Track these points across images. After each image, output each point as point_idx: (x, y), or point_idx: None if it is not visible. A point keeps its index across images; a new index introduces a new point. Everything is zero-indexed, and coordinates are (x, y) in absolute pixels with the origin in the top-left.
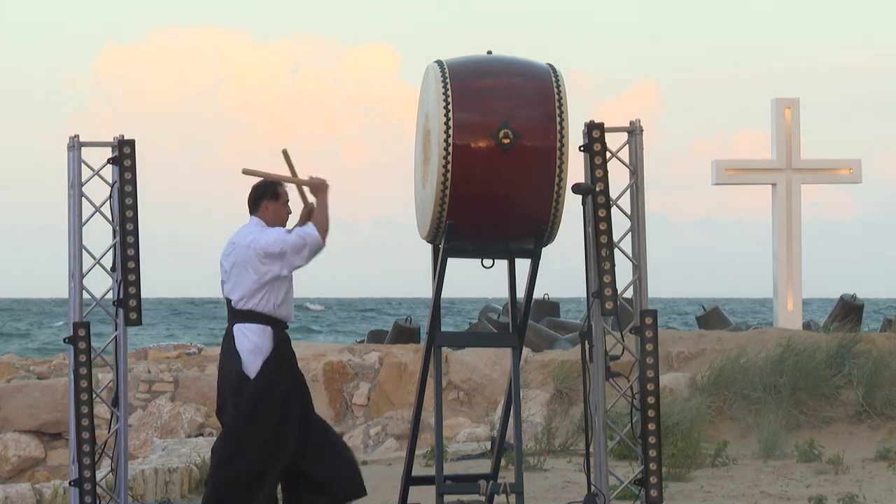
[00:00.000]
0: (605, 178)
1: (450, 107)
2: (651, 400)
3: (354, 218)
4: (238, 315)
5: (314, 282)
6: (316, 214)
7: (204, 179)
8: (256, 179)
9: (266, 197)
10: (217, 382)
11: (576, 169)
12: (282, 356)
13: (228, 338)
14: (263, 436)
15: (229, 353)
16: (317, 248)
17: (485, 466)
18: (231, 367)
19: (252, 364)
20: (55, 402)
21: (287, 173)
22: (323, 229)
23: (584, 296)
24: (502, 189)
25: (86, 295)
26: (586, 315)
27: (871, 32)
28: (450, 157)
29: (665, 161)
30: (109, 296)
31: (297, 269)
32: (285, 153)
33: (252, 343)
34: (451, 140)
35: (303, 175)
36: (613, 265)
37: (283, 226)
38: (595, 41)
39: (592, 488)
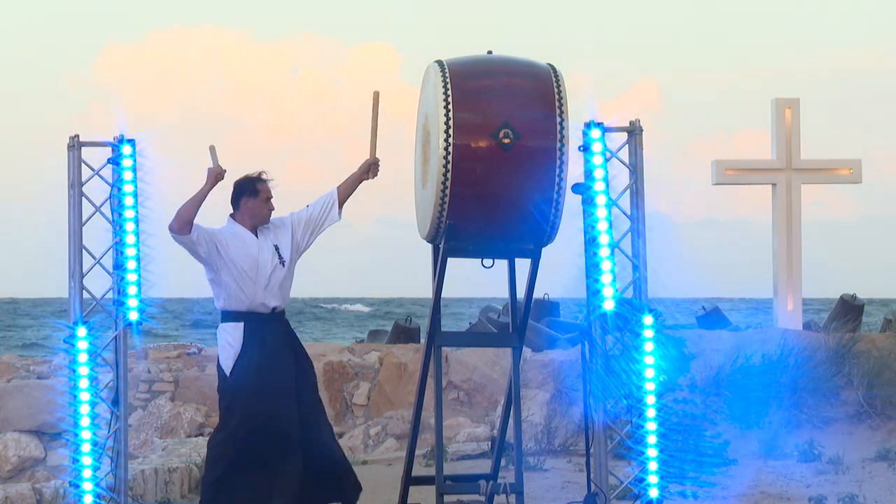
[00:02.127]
0: (605, 178)
1: (450, 107)
2: (651, 400)
3: (356, 217)
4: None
5: (312, 280)
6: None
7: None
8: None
9: (245, 194)
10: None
11: (576, 169)
12: (257, 351)
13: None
14: (238, 434)
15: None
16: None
17: (485, 466)
18: (217, 367)
19: (226, 361)
20: (55, 402)
21: (372, 118)
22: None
23: (584, 296)
24: (502, 189)
25: (86, 295)
26: (586, 315)
27: (871, 33)
28: (450, 157)
29: (665, 161)
30: (109, 296)
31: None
32: (376, 96)
33: (224, 340)
34: (451, 140)
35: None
36: (613, 265)
37: (264, 223)
38: (595, 41)
39: (592, 488)
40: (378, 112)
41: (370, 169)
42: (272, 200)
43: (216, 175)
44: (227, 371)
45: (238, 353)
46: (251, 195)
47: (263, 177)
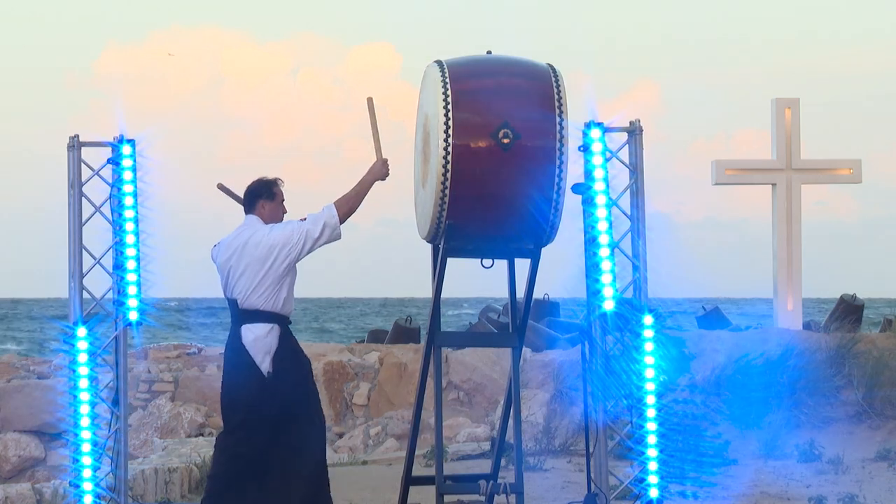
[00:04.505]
0: (605, 178)
1: (449, 107)
2: (651, 400)
3: (357, 217)
4: (245, 315)
5: (316, 280)
6: (347, 194)
7: (204, 179)
8: (256, 177)
9: (262, 196)
10: (223, 383)
11: (576, 169)
12: (286, 353)
13: (235, 338)
14: (270, 435)
15: (238, 352)
16: (333, 227)
17: (485, 466)
18: (243, 367)
19: (262, 364)
20: (55, 402)
21: (371, 124)
22: (347, 210)
23: (584, 296)
24: (502, 189)
25: (86, 295)
26: (586, 315)
27: (871, 33)
28: (449, 158)
29: (665, 161)
30: (109, 296)
31: (310, 252)
32: (370, 101)
33: (259, 341)
34: (450, 140)
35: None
36: (613, 265)
37: None
38: (595, 41)
39: (592, 488)
40: (375, 116)
41: (381, 170)
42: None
43: (383, 172)
44: (265, 371)
45: (274, 354)
46: (269, 198)
47: (278, 182)
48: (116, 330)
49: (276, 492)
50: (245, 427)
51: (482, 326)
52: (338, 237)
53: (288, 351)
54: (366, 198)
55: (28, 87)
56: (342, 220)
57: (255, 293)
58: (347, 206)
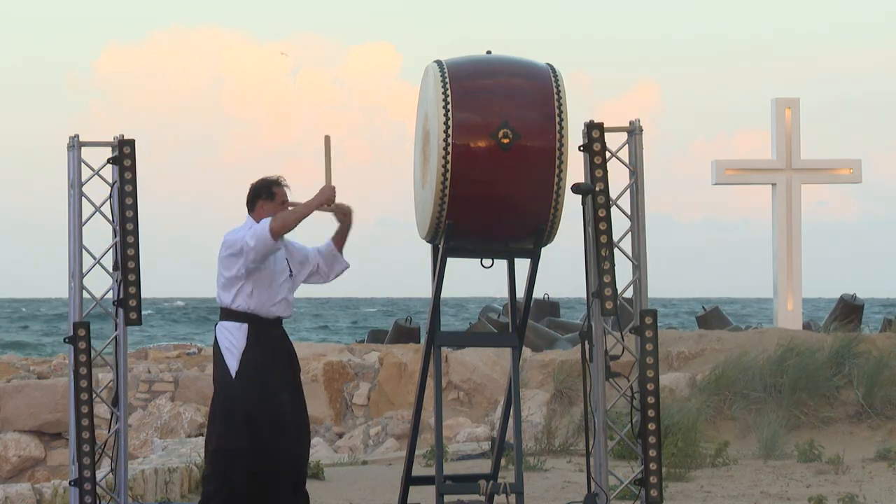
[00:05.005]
0: (604, 178)
1: (449, 107)
2: (651, 400)
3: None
4: (220, 312)
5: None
6: (289, 210)
7: (204, 179)
8: (255, 178)
9: (262, 197)
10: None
11: (576, 169)
12: (260, 355)
13: (214, 336)
14: (239, 440)
15: (214, 351)
16: (263, 240)
17: (485, 466)
18: (216, 364)
19: (230, 362)
20: (55, 402)
21: (325, 158)
22: (280, 225)
23: (584, 296)
24: (502, 189)
25: (86, 295)
26: (586, 315)
27: (871, 33)
28: (449, 157)
29: (665, 161)
30: (109, 296)
31: (253, 264)
32: (327, 140)
33: (227, 341)
34: (450, 140)
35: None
36: (613, 265)
37: None
38: (595, 41)
39: (592, 488)
40: (330, 153)
41: (327, 194)
42: (287, 206)
43: (329, 196)
44: (233, 370)
45: (242, 353)
46: (268, 198)
47: (281, 181)
48: (116, 330)
49: (269, 491)
50: (225, 426)
51: (482, 326)
52: (276, 249)
53: (260, 353)
54: (367, 197)
55: (28, 86)
56: (275, 234)
57: (219, 291)
58: (281, 222)
